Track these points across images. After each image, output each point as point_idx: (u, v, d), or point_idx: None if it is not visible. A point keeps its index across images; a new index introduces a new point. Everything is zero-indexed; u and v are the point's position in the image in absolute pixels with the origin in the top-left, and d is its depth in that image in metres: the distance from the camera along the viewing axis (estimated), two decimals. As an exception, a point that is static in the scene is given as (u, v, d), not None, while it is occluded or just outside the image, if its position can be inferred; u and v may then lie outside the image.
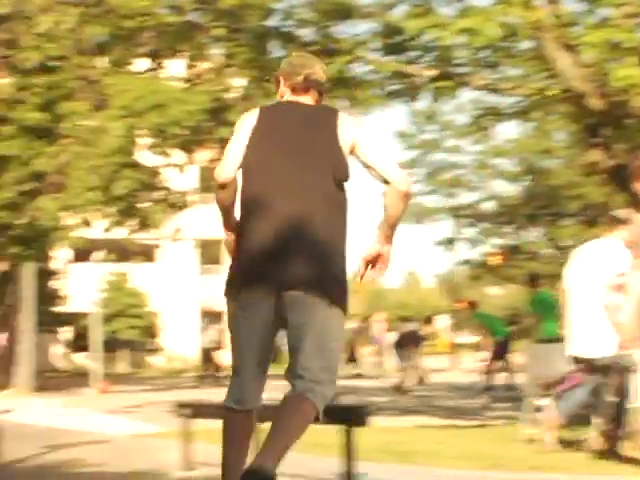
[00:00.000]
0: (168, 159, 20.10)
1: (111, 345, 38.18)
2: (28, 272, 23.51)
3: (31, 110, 19.67)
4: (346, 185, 4.19)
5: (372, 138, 4.20)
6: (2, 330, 27.70)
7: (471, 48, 13.05)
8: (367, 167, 4.17)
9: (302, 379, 3.94)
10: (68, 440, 10.27)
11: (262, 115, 4.30)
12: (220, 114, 18.34)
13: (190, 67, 20.03)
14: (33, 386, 22.91)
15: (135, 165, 18.51)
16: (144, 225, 20.50)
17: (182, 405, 8.23)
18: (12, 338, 24.31)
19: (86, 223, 19.98)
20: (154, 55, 19.98)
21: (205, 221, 42.63)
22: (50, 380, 29.93)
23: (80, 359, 41.89)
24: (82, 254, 30.33)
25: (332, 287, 4.02)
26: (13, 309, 24.31)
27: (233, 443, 4.14)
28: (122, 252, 32.43)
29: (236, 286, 4.17)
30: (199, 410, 8.29)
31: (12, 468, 7.51)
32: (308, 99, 4.40)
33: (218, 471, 7.61)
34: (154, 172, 20.56)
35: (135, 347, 41.95)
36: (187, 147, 19.39)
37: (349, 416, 6.35)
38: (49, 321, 35.84)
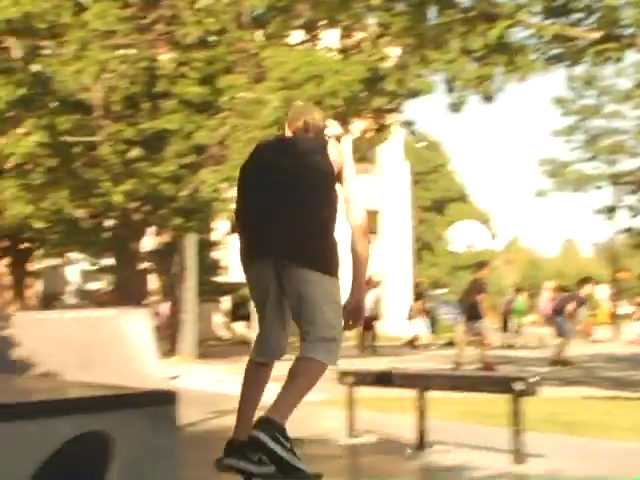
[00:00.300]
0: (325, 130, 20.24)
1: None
2: (190, 243, 24.10)
3: (191, 84, 20.11)
4: (330, 196, 4.87)
5: (351, 171, 4.98)
6: (166, 300, 28.58)
7: (638, 7, 12.57)
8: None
9: (305, 341, 4.75)
10: (232, 406, 10.48)
11: (257, 151, 5.05)
12: (375, 84, 18.33)
13: (345, 37, 20.07)
14: (196, 354, 23.54)
15: (292, 136, 18.67)
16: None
17: (345, 373, 8.29)
18: (176, 307, 25.03)
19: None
20: (310, 26, 20.12)
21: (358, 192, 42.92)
22: (212, 348, 30.71)
23: (239, 328, 42.88)
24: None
25: (310, 257, 4.66)
26: (176, 279, 25.01)
27: (250, 388, 5.11)
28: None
29: (243, 263, 4.93)
30: (361, 378, 8.34)
31: (184, 432, 7.73)
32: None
33: (382, 438, 7.64)
34: (311, 143, 20.72)
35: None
36: (343, 118, 19.46)
37: (516, 386, 6.27)
38: (210, 291, 36.77)
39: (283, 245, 4.66)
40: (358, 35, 19.83)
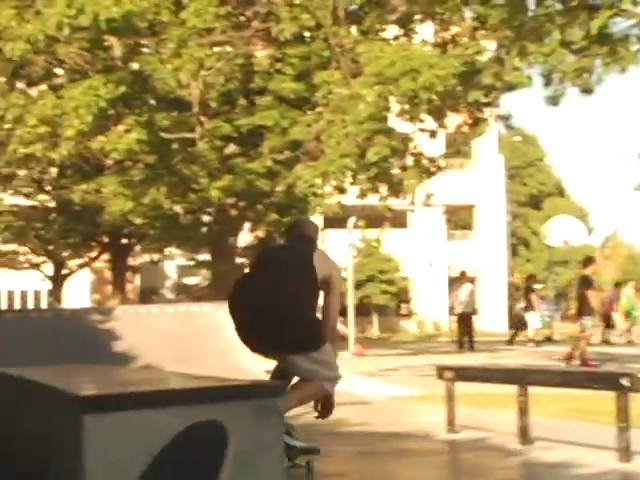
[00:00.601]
0: (419, 124, 20.12)
1: (364, 309, 38.92)
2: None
3: (287, 80, 20.24)
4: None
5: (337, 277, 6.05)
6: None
7: None
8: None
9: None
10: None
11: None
12: (471, 77, 18.13)
13: (441, 31, 19.91)
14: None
15: (388, 131, 18.62)
16: (395, 191, 20.64)
17: (444, 368, 8.23)
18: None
19: (340, 190, 20.34)
20: (405, 20, 20.02)
21: (453, 186, 42.60)
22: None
23: (333, 323, 42.99)
24: (333, 220, 30.92)
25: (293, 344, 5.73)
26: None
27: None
28: (373, 218, 32.79)
29: None
30: (461, 373, 8.27)
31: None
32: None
33: (482, 434, 7.56)
34: (406, 138, 20.63)
35: (386, 312, 42.54)
36: (438, 112, 19.31)
37: (624, 382, 6.14)
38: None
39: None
40: (454, 29, 19.66)
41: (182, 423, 3.54)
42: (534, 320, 26.06)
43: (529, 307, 25.88)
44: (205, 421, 3.49)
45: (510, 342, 25.62)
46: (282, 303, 5.70)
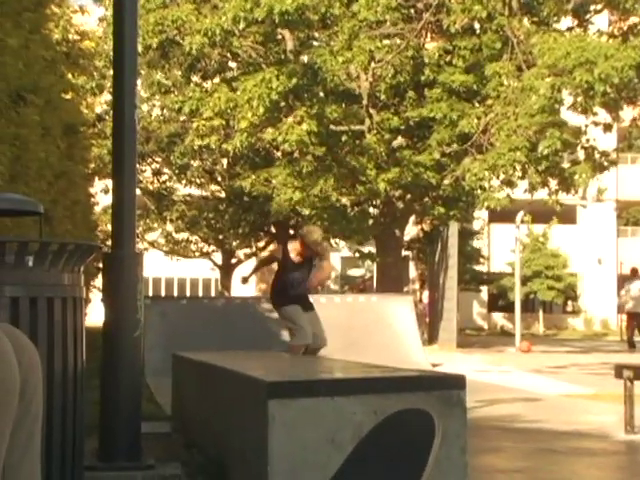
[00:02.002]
0: (592, 118, 19.57)
1: (529, 305, 38.24)
2: (452, 232, 24.09)
3: (457, 72, 20.03)
4: None
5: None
6: (426, 288, 28.72)
7: None
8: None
9: None
10: (499, 395, 10.37)
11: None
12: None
13: (619, 21, 19.31)
14: (456, 342, 23.51)
15: (560, 124, 18.20)
16: (566, 185, 20.16)
17: (623, 367, 7.94)
18: (436, 296, 25.10)
19: (509, 183, 20.02)
20: (581, 11, 19.50)
21: (625, 182, 41.25)
22: (470, 338, 30.62)
23: (497, 318, 42.43)
24: (499, 214, 30.49)
25: None
26: (437, 268, 25.07)
27: None
28: (541, 213, 32.17)
29: None
30: (640, 373, 7.95)
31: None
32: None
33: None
34: (578, 131, 20.11)
35: (552, 308, 41.67)
36: (613, 105, 18.72)
37: None
38: (470, 280, 36.63)
39: None
40: (632, 19, 19.02)
41: (365, 412, 3.52)
42: None
43: None
44: (416, 408, 3.48)
45: None
46: None
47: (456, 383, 3.81)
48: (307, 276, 9.54)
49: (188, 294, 41.17)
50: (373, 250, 25.42)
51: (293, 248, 9.58)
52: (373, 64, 19.03)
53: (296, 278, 9.54)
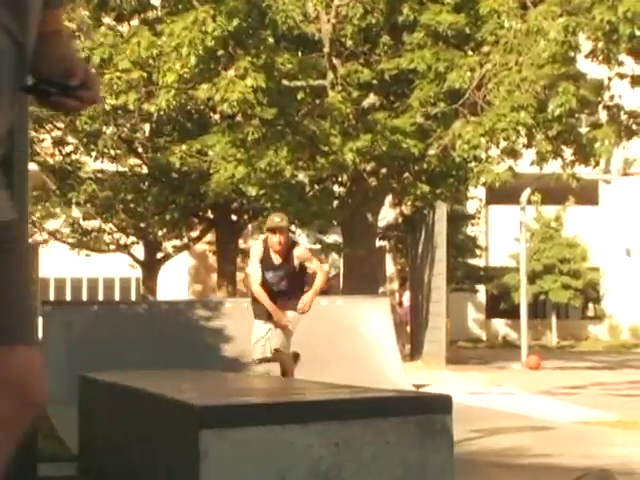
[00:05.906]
0: (617, 69, 19.75)
1: (539, 309, 38.50)
2: (439, 216, 24.15)
3: (443, 12, 20.07)
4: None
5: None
6: (407, 288, 28.80)
7: None
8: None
9: None
10: (500, 424, 10.48)
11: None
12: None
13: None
14: (445, 358, 23.63)
15: (575, 77, 18.35)
16: (584, 155, 20.33)
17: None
18: (418, 298, 25.20)
19: (512, 153, 20.15)
20: None
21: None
22: (464, 351, 30.78)
23: (499, 325, 42.70)
24: (499, 193, 30.65)
25: None
26: (421, 262, 25.16)
27: None
28: (553, 191, 32.37)
29: None
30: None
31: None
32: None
33: None
34: (599, 86, 20.28)
35: (569, 313, 41.99)
36: (642, 52, 18.95)
37: None
38: (463, 278, 36.79)
39: None
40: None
41: (324, 444, 3.56)
42: None
43: None
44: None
45: None
46: None
47: (440, 406, 3.86)
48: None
49: (101, 298, 41.01)
50: (339, 240, 25.48)
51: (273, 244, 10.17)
52: (337, 1, 19.05)
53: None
